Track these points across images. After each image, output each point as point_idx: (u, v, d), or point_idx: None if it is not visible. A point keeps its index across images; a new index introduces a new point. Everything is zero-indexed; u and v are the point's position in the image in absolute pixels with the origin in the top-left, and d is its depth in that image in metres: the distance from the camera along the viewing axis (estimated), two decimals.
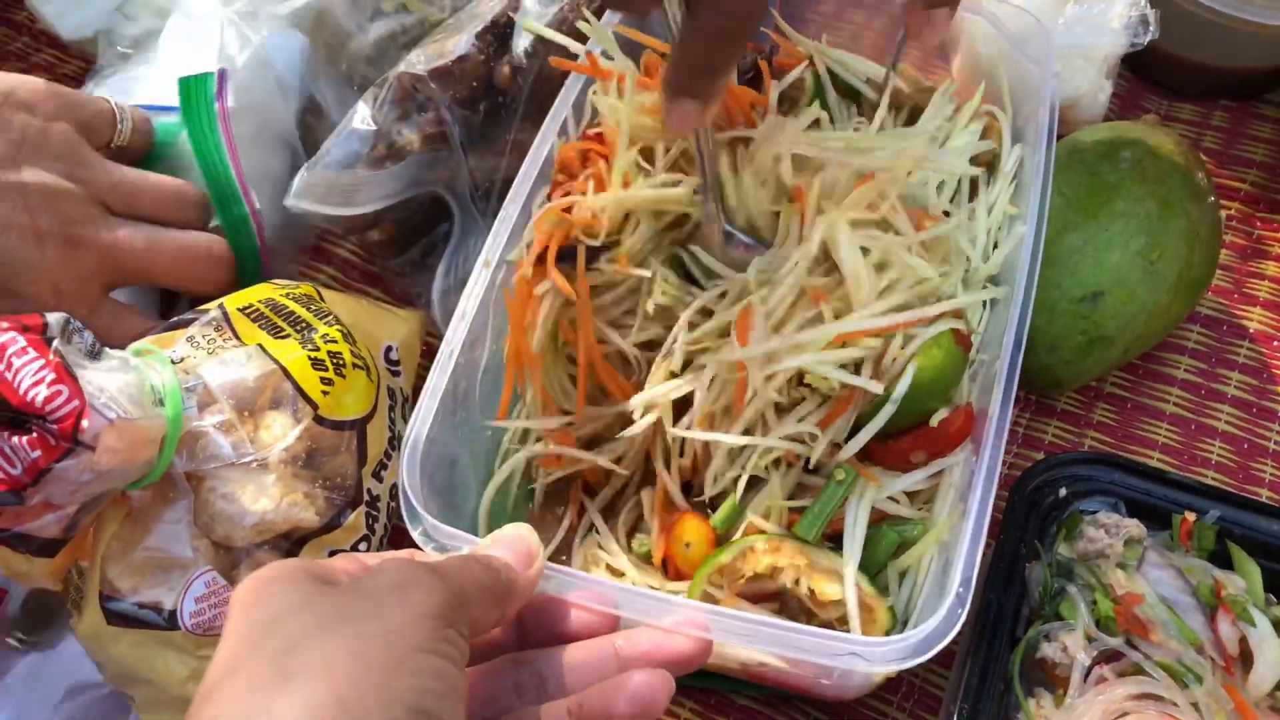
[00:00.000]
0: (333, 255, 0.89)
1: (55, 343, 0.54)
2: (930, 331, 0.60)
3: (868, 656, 0.52)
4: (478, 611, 0.46)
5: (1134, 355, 0.77)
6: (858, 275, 0.59)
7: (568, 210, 0.62)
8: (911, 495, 0.63)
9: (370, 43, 0.91)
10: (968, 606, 0.53)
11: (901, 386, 0.59)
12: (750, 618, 0.54)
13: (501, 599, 0.48)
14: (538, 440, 0.67)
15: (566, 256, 0.62)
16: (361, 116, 0.75)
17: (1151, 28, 0.84)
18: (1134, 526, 0.66)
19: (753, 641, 0.53)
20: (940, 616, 0.52)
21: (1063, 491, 0.69)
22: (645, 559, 0.65)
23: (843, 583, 0.58)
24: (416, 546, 0.56)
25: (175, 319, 0.66)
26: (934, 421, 0.60)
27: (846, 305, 0.60)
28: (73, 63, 1.01)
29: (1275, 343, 0.82)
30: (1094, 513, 0.68)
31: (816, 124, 0.66)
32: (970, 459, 0.61)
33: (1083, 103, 0.88)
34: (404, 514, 0.57)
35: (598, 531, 0.67)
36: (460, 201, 0.78)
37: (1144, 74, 0.99)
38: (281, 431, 0.61)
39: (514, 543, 0.52)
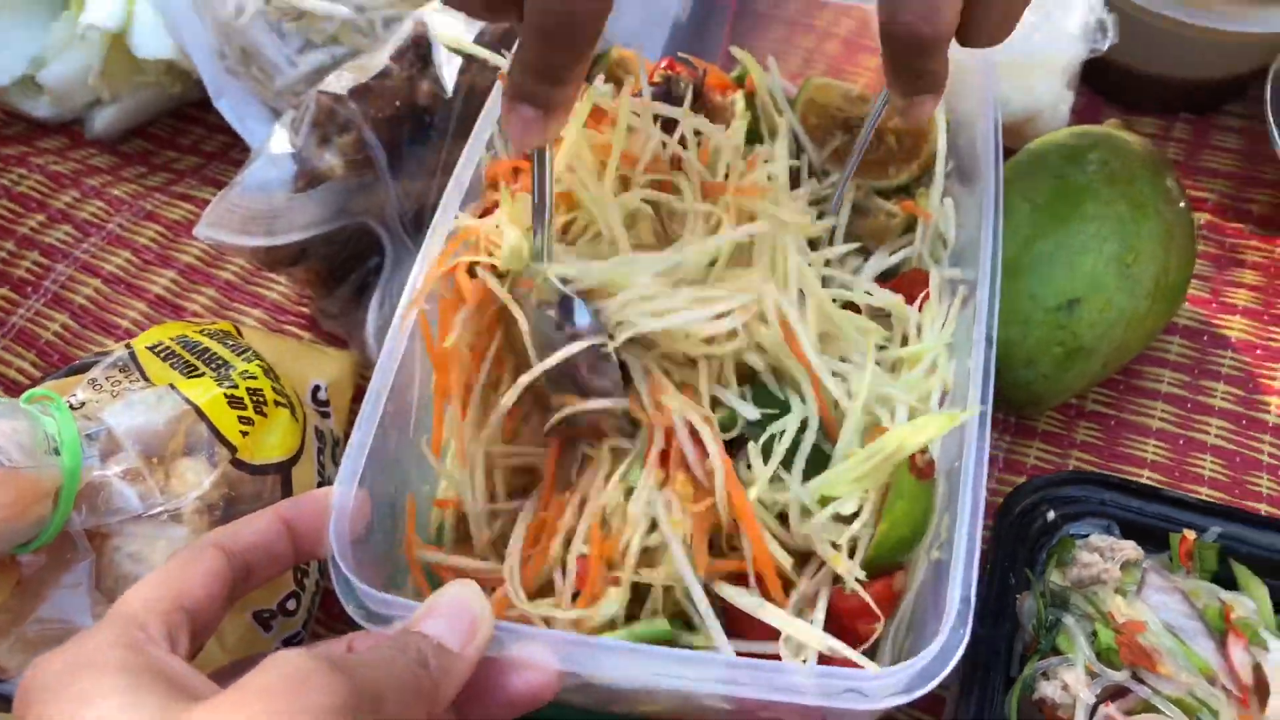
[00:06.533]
0: (261, 298, 0.84)
1: None
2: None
3: (869, 691, 0.46)
4: (395, 710, 0.39)
5: (1115, 368, 0.72)
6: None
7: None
8: None
9: (301, 77, 0.87)
10: (969, 627, 0.48)
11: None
12: (723, 659, 0.48)
13: (430, 694, 0.42)
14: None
15: None
16: (278, 140, 0.70)
17: (1110, 32, 0.82)
18: (1130, 549, 0.61)
19: (728, 686, 0.47)
20: (941, 640, 0.47)
21: (1051, 515, 0.64)
22: None
23: None
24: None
25: (73, 364, 0.60)
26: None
27: None
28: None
29: (1258, 351, 0.78)
30: (1086, 536, 0.63)
31: None
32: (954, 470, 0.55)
33: (1044, 115, 0.85)
34: (335, 587, 0.50)
35: None
36: (390, 230, 0.73)
37: (1101, 89, 0.97)
38: (195, 479, 0.55)
39: (453, 611, 0.45)
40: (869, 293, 0.62)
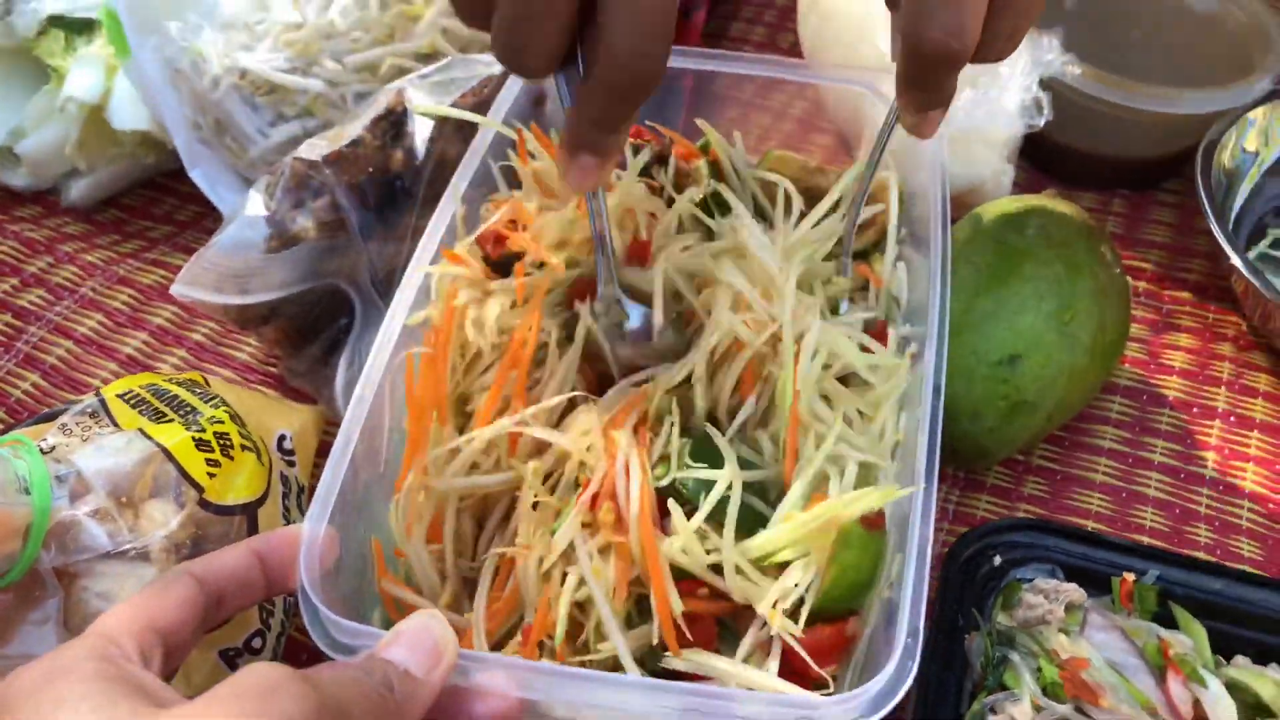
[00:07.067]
0: (231, 358, 0.85)
1: None
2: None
3: (824, 717, 0.47)
4: None
5: (1058, 423, 0.75)
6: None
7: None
8: None
9: (273, 148, 0.90)
10: (918, 659, 0.49)
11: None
12: (680, 687, 0.49)
13: (395, 717, 0.43)
14: None
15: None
16: (254, 203, 0.73)
17: (1045, 111, 0.86)
18: (1073, 591, 0.63)
19: (685, 714, 0.49)
20: (892, 667, 0.48)
21: (997, 560, 0.66)
22: None
23: None
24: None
25: (45, 412, 0.61)
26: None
27: None
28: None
29: (1194, 409, 0.81)
30: (1031, 580, 0.65)
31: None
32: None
33: (987, 187, 0.89)
34: (304, 617, 0.50)
35: None
36: (361, 291, 0.75)
37: (1043, 165, 1.01)
38: (163, 518, 0.56)
39: (417, 638, 0.46)
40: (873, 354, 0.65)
